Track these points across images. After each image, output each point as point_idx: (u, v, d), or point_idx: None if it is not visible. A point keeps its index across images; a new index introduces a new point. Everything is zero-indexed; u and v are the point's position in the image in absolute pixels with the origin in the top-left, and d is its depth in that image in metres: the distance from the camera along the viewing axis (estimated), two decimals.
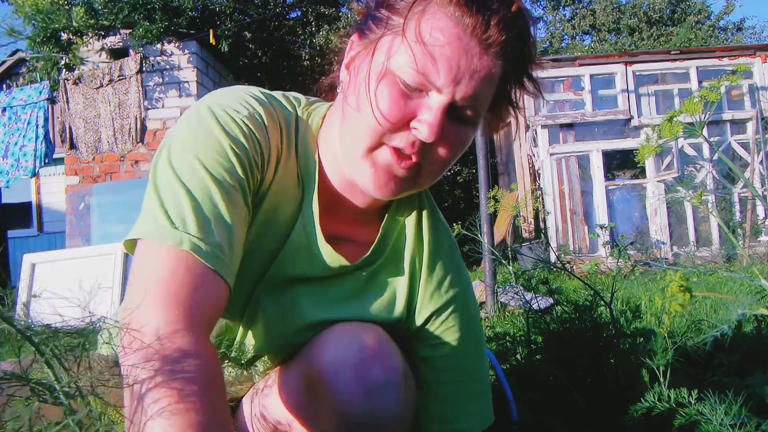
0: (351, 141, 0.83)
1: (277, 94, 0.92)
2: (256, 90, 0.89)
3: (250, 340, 0.91)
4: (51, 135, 6.72)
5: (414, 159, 0.81)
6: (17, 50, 11.75)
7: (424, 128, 0.77)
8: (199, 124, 0.80)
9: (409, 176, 0.83)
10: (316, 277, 0.91)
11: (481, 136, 3.75)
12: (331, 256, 0.90)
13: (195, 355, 0.65)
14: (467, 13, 0.74)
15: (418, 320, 0.96)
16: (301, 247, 0.89)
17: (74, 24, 6.81)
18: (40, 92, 6.56)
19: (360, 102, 0.80)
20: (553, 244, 7.27)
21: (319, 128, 0.92)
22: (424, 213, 0.98)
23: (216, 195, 0.76)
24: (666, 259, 7.06)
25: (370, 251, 0.93)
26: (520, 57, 0.79)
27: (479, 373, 1.00)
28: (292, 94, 0.95)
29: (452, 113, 0.79)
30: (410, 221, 0.97)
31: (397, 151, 0.80)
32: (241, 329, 0.91)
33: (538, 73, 0.85)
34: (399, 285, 0.95)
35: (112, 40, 7.60)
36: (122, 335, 0.65)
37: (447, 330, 0.96)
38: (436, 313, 0.95)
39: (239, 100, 0.84)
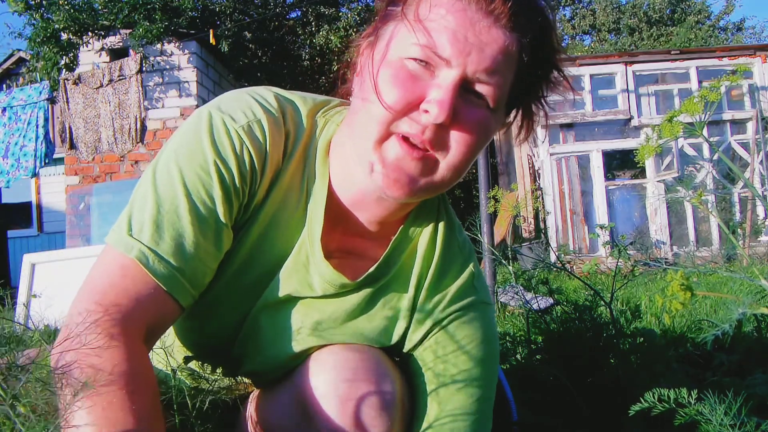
0: (359, 135, 0.77)
1: (296, 97, 0.87)
2: (269, 94, 0.84)
3: (246, 355, 0.89)
4: (51, 135, 6.72)
5: (427, 148, 0.74)
6: (17, 50, 11.76)
7: (433, 108, 0.71)
8: (194, 131, 0.79)
9: (424, 170, 0.76)
10: (316, 296, 0.86)
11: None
12: (332, 276, 0.85)
13: (115, 355, 0.69)
14: None
15: (409, 344, 0.89)
16: (300, 264, 0.85)
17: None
18: (40, 92, 6.56)
19: (365, 92, 0.76)
20: (553, 244, 7.27)
21: (335, 135, 0.86)
22: (440, 228, 0.91)
23: (183, 208, 0.76)
24: (666, 259, 7.06)
25: (374, 268, 0.87)
26: (537, 34, 0.74)
27: (474, 405, 0.86)
28: (313, 96, 0.90)
29: (467, 93, 0.73)
30: (424, 237, 0.90)
31: (408, 141, 0.74)
32: (237, 345, 0.89)
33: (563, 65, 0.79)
34: (402, 306, 0.89)
35: (112, 40, 7.60)
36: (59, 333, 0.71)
37: (433, 354, 0.87)
38: (426, 335, 0.88)
39: (243, 106, 0.81)
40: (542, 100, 0.82)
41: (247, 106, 0.81)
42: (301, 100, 0.87)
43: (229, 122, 0.79)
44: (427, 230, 0.90)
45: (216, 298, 0.86)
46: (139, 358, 0.71)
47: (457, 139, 0.75)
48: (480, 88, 0.73)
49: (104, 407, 0.65)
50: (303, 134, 0.84)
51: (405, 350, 0.90)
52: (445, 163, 0.76)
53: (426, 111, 0.72)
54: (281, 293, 0.86)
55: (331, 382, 0.79)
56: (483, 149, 0.81)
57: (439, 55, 0.71)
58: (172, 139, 0.81)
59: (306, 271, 0.85)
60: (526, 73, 0.76)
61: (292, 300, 0.86)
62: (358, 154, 0.78)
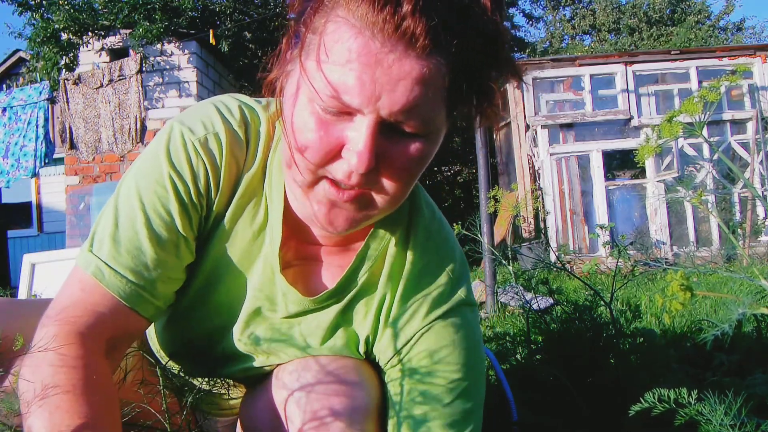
0: (290, 176, 0.74)
1: (260, 105, 0.85)
2: (234, 103, 0.83)
3: (225, 360, 0.90)
4: (51, 135, 6.72)
5: (357, 190, 0.70)
6: (17, 50, 11.76)
7: (352, 158, 0.65)
8: (155, 145, 0.80)
9: (359, 207, 0.72)
10: (284, 316, 0.85)
11: (480, 135, 3.75)
12: (290, 293, 0.83)
13: (70, 368, 0.71)
14: (371, 10, 0.60)
15: (387, 353, 0.84)
16: (267, 279, 0.83)
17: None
18: (40, 92, 6.57)
19: (284, 136, 0.72)
20: (553, 244, 7.27)
21: None
22: (413, 228, 0.85)
23: (140, 222, 0.77)
24: (666, 259, 7.06)
25: (334, 286, 0.83)
26: (467, 42, 0.63)
27: (462, 416, 0.82)
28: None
29: (390, 130, 0.66)
30: (394, 240, 0.85)
31: (337, 184, 0.70)
32: (217, 350, 0.90)
33: (517, 58, 0.69)
34: (367, 319, 0.85)
35: (112, 40, 7.60)
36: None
37: (415, 366, 0.82)
38: (405, 344, 0.83)
39: (203, 117, 0.80)
40: (489, 100, 0.71)
41: (207, 117, 0.81)
42: (263, 109, 0.85)
43: (187, 135, 0.79)
44: (398, 233, 0.85)
45: (188, 308, 0.87)
46: (93, 367, 0.73)
47: (389, 177, 0.70)
48: (403, 125, 0.66)
49: (51, 411, 0.67)
50: (263, 144, 0.82)
51: (384, 362, 0.85)
52: (381, 197, 0.72)
53: (346, 159, 0.67)
54: (253, 307, 0.85)
55: (297, 389, 0.79)
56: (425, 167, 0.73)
57: (348, 105, 0.64)
58: (142, 154, 0.82)
59: (273, 285, 0.84)
60: (461, 84, 0.67)
61: (264, 315, 0.85)
62: (293, 194, 0.77)
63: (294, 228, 0.84)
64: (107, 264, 0.76)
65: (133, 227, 0.77)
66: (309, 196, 0.73)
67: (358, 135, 0.65)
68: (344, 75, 0.62)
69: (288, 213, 0.83)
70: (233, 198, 0.82)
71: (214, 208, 0.82)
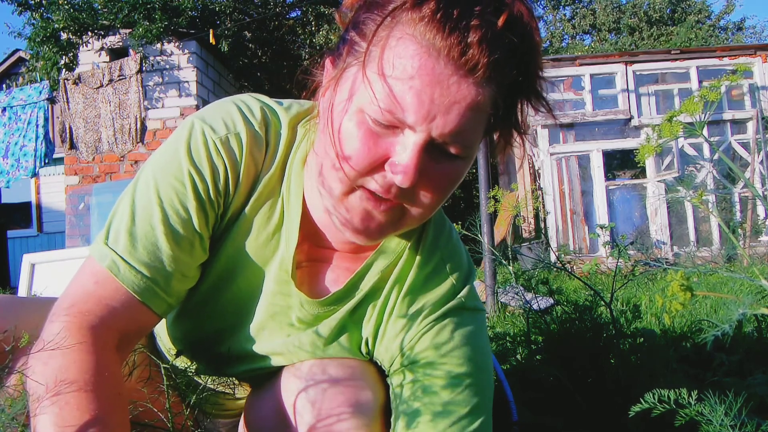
0: (323, 186, 0.75)
1: (281, 107, 0.85)
2: (255, 104, 0.83)
3: (235, 359, 0.90)
4: (51, 135, 6.73)
5: (393, 201, 0.72)
6: (17, 50, 11.77)
7: (397, 172, 0.67)
8: (175, 141, 0.80)
9: (392, 219, 0.74)
10: (296, 321, 0.85)
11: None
12: (302, 297, 0.84)
13: (81, 360, 0.70)
14: (440, 33, 0.62)
15: (386, 359, 0.85)
16: (282, 282, 0.84)
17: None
18: (40, 92, 6.57)
19: (326, 144, 0.72)
20: (553, 244, 7.27)
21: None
22: (424, 235, 0.86)
23: (157, 218, 0.77)
24: (666, 259, 7.06)
25: (344, 286, 0.84)
26: (517, 76, 0.66)
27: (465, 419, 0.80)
28: (300, 103, 0.87)
29: (434, 149, 0.68)
30: (406, 246, 0.86)
31: (374, 194, 0.71)
32: (226, 348, 0.90)
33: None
34: (371, 321, 0.86)
35: (112, 40, 7.60)
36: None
37: (412, 372, 0.82)
38: (400, 354, 0.84)
39: (225, 116, 0.80)
40: (520, 129, 0.75)
41: (229, 116, 0.80)
42: (284, 111, 0.84)
43: (208, 132, 0.79)
44: (410, 240, 0.86)
45: (198, 306, 0.87)
46: (104, 362, 0.73)
47: (424, 194, 0.72)
48: (448, 147, 0.68)
49: (61, 407, 0.67)
50: (283, 146, 0.82)
51: (387, 363, 0.86)
52: (415, 210, 0.74)
53: (390, 172, 0.68)
54: (267, 309, 0.85)
55: (305, 388, 0.79)
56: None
57: (402, 121, 0.65)
58: (159, 148, 0.82)
59: (288, 287, 0.84)
60: (504, 113, 0.70)
61: (277, 317, 0.86)
62: (324, 204, 0.77)
63: (309, 231, 0.84)
64: (123, 258, 0.76)
65: (150, 222, 0.77)
66: (342, 204, 0.73)
67: (406, 151, 0.67)
68: (404, 91, 0.64)
69: (305, 217, 0.83)
70: (250, 198, 0.82)
71: (230, 208, 0.82)
